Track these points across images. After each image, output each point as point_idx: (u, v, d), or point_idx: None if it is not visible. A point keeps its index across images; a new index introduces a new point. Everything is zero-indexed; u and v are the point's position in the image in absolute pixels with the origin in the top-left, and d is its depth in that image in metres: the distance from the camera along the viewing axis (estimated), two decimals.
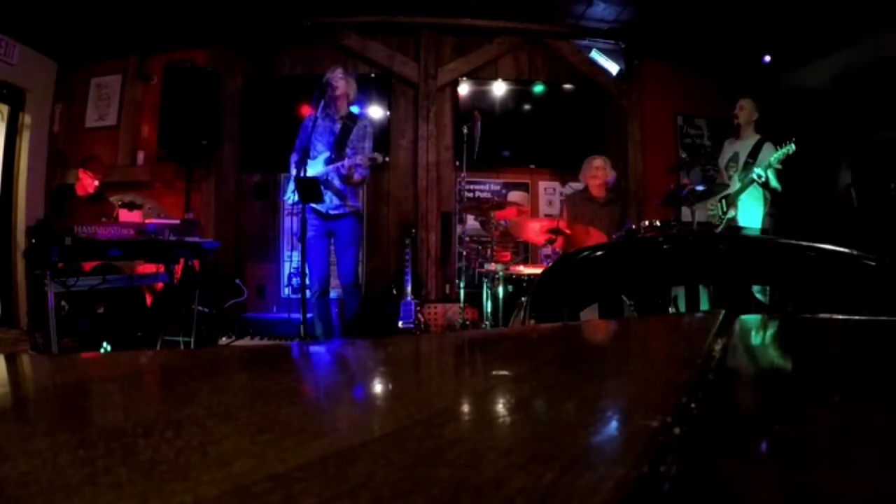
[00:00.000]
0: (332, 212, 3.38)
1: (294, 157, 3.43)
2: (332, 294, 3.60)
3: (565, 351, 0.47)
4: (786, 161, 3.51)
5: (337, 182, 3.37)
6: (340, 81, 3.38)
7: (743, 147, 3.85)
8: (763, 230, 3.76)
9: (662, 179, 4.81)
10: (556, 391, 0.31)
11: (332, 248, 3.51)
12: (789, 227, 3.93)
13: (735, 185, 3.79)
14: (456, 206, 4.87)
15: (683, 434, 0.21)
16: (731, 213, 3.79)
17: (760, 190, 3.72)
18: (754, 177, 3.55)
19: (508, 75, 5.06)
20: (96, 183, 3.93)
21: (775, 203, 3.83)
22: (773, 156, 3.50)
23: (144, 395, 0.34)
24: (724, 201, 3.85)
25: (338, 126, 3.41)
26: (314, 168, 3.30)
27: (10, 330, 4.50)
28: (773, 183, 3.57)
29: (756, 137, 3.82)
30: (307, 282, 3.39)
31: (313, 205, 3.30)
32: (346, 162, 3.27)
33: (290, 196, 3.51)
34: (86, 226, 2.98)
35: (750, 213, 3.78)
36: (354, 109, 3.57)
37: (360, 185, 3.53)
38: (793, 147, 3.42)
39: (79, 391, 0.34)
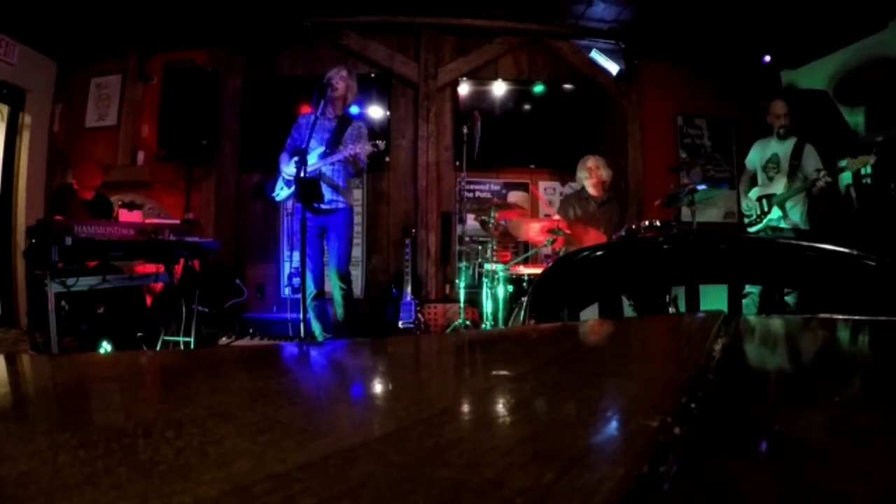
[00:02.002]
0: (325, 206, 3.35)
1: (284, 157, 3.44)
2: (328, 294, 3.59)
3: (565, 351, 0.47)
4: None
5: (331, 174, 3.36)
6: (341, 83, 3.38)
7: (782, 149, 3.82)
8: (806, 231, 3.76)
9: (662, 179, 4.82)
10: (556, 391, 0.31)
11: (325, 245, 3.49)
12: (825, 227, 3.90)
13: (779, 187, 3.78)
14: (456, 206, 4.87)
15: (683, 434, 0.21)
16: (776, 214, 3.77)
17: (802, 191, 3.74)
18: (822, 184, 3.52)
19: (508, 75, 5.06)
20: (94, 191, 3.94)
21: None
22: (855, 164, 3.46)
23: (144, 395, 0.34)
24: (764, 201, 3.84)
25: (333, 124, 3.41)
26: (309, 164, 3.28)
27: (10, 330, 4.50)
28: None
29: (794, 139, 3.80)
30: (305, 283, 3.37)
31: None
32: (349, 149, 3.24)
33: (279, 193, 3.52)
34: (86, 226, 2.98)
35: (791, 214, 3.78)
36: (354, 110, 3.58)
37: (359, 176, 3.51)
38: (874, 158, 3.40)
39: (79, 391, 0.34)
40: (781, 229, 3.80)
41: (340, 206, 3.41)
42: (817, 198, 3.78)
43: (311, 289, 3.39)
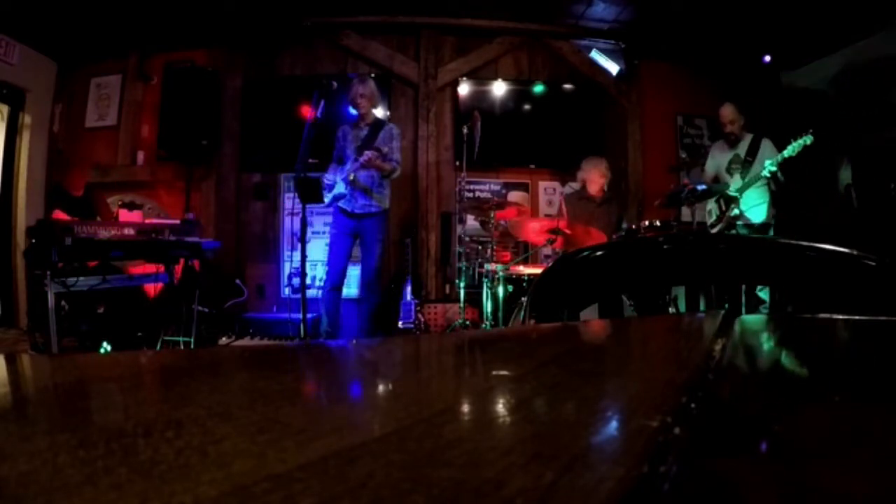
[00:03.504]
0: (357, 211, 3.52)
1: (331, 166, 3.65)
2: (351, 294, 3.70)
3: (565, 351, 0.47)
4: (797, 155, 3.47)
5: (363, 180, 3.49)
6: (364, 102, 3.55)
7: (741, 148, 3.83)
8: (766, 224, 3.73)
9: (662, 179, 4.82)
10: (556, 391, 0.31)
11: (358, 247, 3.65)
12: (791, 226, 3.89)
13: (736, 184, 3.77)
14: (456, 206, 4.86)
15: (683, 434, 0.21)
16: (734, 212, 3.75)
17: (764, 186, 3.71)
18: (766, 174, 3.51)
19: (508, 75, 5.06)
20: (80, 188, 3.94)
21: (777, 202, 3.81)
22: (788, 148, 3.43)
23: (144, 395, 0.34)
24: (722, 201, 3.83)
25: (365, 132, 3.58)
26: (343, 172, 3.52)
27: (10, 330, 4.50)
28: (780, 176, 3.53)
29: (750, 136, 3.81)
30: (322, 276, 3.50)
31: (341, 204, 3.51)
32: (364, 156, 3.40)
33: (325, 197, 3.61)
34: (86, 226, 2.98)
35: (754, 210, 3.75)
36: (379, 113, 3.74)
37: (392, 175, 3.61)
38: (810, 138, 3.36)
39: (79, 391, 0.34)
40: (751, 225, 3.76)
41: (373, 209, 3.54)
42: (779, 196, 3.74)
43: (328, 282, 3.54)
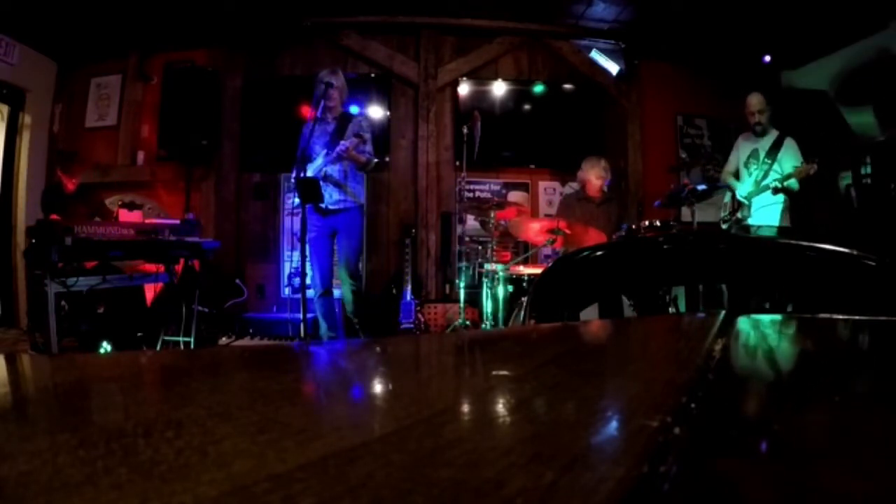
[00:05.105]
0: (332, 206, 3.39)
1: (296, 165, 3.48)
2: (336, 293, 3.63)
3: (565, 351, 0.47)
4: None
5: (336, 175, 3.39)
6: (335, 93, 3.41)
7: (762, 144, 3.68)
8: (782, 228, 3.64)
9: (662, 179, 4.82)
10: (556, 391, 0.31)
11: (335, 246, 3.53)
12: (794, 227, 3.81)
13: (748, 185, 3.68)
14: (456, 206, 4.87)
15: (683, 434, 0.21)
16: (742, 213, 3.66)
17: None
18: (772, 187, 3.45)
19: (508, 75, 5.06)
20: (74, 182, 3.93)
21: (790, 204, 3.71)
22: (794, 169, 3.38)
23: (144, 395, 0.34)
24: (733, 200, 3.76)
25: (333, 126, 3.45)
26: (313, 168, 3.35)
27: (10, 330, 4.50)
28: (794, 187, 3.46)
29: (775, 133, 3.67)
30: (310, 281, 3.42)
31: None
32: (339, 146, 3.27)
33: (295, 199, 3.56)
34: (86, 225, 2.98)
35: (767, 211, 3.64)
36: (354, 109, 3.61)
37: (367, 167, 3.49)
38: (815, 168, 3.30)
39: (79, 391, 0.34)
40: (748, 227, 3.67)
41: (348, 205, 3.44)
42: (802, 197, 3.68)
43: (318, 287, 3.44)
